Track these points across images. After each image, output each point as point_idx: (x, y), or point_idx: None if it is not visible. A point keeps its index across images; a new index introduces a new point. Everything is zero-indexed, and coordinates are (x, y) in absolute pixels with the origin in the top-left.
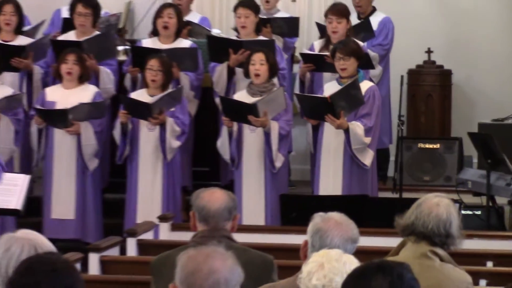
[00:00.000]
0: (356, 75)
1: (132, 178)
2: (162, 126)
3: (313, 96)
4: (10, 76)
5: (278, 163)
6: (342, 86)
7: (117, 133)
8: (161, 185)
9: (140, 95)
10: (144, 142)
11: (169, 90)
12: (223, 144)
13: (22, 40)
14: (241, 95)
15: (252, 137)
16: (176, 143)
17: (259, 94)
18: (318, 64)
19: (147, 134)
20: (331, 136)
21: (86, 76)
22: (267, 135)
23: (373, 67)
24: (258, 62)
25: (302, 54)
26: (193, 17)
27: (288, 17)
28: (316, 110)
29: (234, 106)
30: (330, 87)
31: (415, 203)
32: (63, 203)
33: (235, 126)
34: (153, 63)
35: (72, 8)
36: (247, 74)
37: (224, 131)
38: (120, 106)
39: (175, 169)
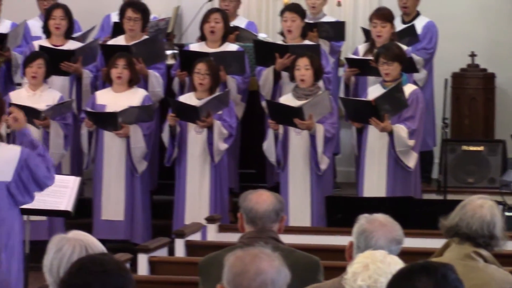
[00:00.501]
0: (400, 78)
1: (180, 180)
2: (210, 129)
3: (358, 99)
4: (60, 80)
5: (323, 165)
6: (386, 89)
7: (165, 135)
8: (209, 187)
9: (188, 98)
10: (192, 144)
11: (217, 93)
12: (269, 147)
13: (71, 45)
14: (287, 99)
15: (297, 139)
16: (223, 146)
17: (305, 98)
18: (362, 68)
19: (195, 137)
20: (375, 139)
21: (136, 79)
22: (312, 137)
23: (417, 71)
24: (303, 67)
25: (347, 59)
26: (240, 21)
27: (334, 22)
28: (361, 113)
29: (280, 109)
30: (374, 91)
31: (459, 204)
32: (112, 204)
33: (281, 129)
34: (200, 67)
35: (122, 13)
36: (292, 78)
37: (270, 133)
38: (169, 109)
39: (223, 171)
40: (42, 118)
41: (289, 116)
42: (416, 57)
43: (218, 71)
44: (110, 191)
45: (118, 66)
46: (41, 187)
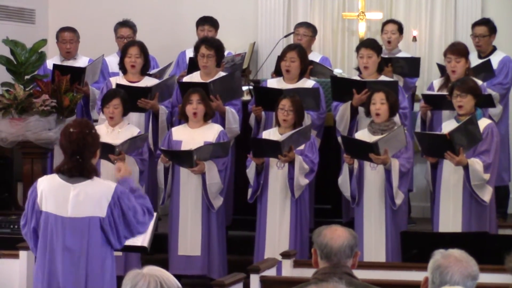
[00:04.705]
0: (474, 112)
1: (261, 215)
2: (291, 163)
3: (432, 133)
4: (137, 116)
5: (398, 200)
6: (460, 123)
7: (251, 172)
8: (289, 222)
9: (272, 133)
10: (273, 179)
11: (298, 128)
12: (344, 182)
13: (148, 81)
14: (362, 134)
15: (373, 174)
16: (304, 181)
17: (380, 133)
18: (437, 103)
19: (276, 172)
20: (450, 173)
21: (211, 114)
22: (387, 172)
23: (494, 106)
24: (379, 102)
25: (424, 95)
26: (313, 56)
27: (410, 58)
28: (435, 147)
29: (355, 144)
30: (448, 125)
31: None
32: (189, 240)
33: (356, 163)
34: (284, 103)
35: (196, 50)
36: (368, 113)
37: (345, 168)
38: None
39: (303, 207)
40: (117, 153)
41: (364, 151)
42: (492, 92)
43: (302, 107)
44: (186, 227)
45: (192, 101)
46: (132, 232)
